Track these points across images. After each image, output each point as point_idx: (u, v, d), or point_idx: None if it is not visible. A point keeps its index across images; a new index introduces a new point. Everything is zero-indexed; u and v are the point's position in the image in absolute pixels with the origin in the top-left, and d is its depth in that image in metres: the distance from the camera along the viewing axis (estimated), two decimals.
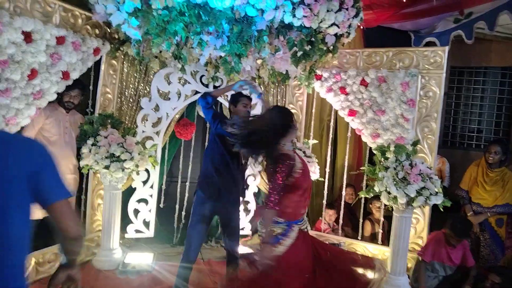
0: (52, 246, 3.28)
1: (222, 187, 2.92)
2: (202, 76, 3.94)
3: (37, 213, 3.34)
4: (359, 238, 4.12)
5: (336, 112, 4.10)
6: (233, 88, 3.09)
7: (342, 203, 4.21)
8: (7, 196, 1.26)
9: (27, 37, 2.65)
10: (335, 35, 3.25)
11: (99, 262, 3.50)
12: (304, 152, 3.91)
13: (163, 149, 4.03)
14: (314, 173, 3.91)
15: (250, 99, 3.13)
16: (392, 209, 3.51)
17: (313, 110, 4.30)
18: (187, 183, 4.33)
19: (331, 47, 3.37)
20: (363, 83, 3.75)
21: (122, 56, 3.65)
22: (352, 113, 3.83)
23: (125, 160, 3.30)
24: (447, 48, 3.59)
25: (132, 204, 3.82)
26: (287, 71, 3.80)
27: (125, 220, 3.79)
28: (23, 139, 1.54)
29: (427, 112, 3.65)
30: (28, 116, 2.83)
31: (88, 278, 3.28)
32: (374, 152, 3.73)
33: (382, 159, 3.61)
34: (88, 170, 3.41)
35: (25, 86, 2.73)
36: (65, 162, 3.42)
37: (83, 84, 3.45)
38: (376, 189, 3.47)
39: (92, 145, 3.30)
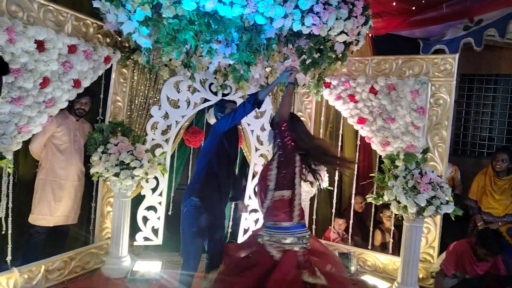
0: (62, 253, 3.30)
1: (223, 193, 2.85)
2: (211, 84, 3.95)
3: (48, 220, 3.37)
4: (369, 247, 4.07)
5: (343, 119, 4.08)
6: (280, 80, 2.76)
7: (352, 212, 4.17)
8: None
9: (40, 46, 2.70)
10: (344, 42, 3.25)
11: (108, 270, 3.50)
12: None
13: (172, 156, 4.03)
14: (323, 182, 3.88)
15: (236, 103, 3.14)
16: (402, 218, 3.46)
17: (322, 118, 4.28)
18: None
19: (340, 54, 3.36)
20: (372, 90, 3.74)
21: (133, 65, 3.69)
22: (361, 121, 3.81)
23: (135, 167, 3.31)
24: (457, 56, 3.57)
25: (141, 212, 3.82)
26: (296, 79, 3.79)
27: (134, 228, 3.79)
28: None
29: (437, 120, 3.62)
30: (40, 124, 2.86)
31: (97, 286, 3.27)
32: (383, 160, 3.70)
33: (392, 167, 3.57)
34: (98, 177, 3.42)
35: (37, 94, 2.77)
36: (74, 168, 3.44)
37: (93, 91, 3.48)
38: (386, 198, 3.43)
39: (102, 152, 3.32)
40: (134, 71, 3.74)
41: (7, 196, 2.89)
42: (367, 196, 3.74)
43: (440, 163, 3.62)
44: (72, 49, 2.95)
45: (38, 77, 2.74)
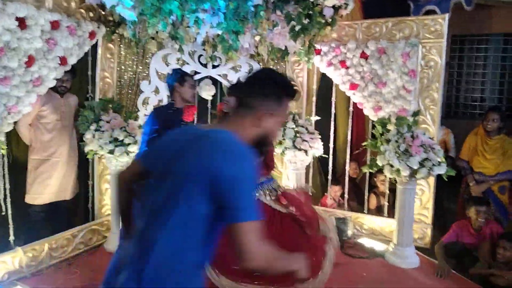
0: (64, 231, 3.35)
1: None
2: (200, 56, 3.90)
3: (46, 197, 3.40)
4: (365, 211, 4.16)
5: (335, 86, 4.07)
6: None
7: (346, 178, 4.23)
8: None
9: (21, 23, 2.62)
10: (333, 7, 3.20)
11: (111, 245, 3.56)
12: (306, 129, 3.90)
13: None
14: (318, 149, 3.91)
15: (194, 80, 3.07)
16: (395, 181, 3.52)
17: (314, 86, 4.26)
18: None
19: (330, 19, 3.32)
20: (363, 55, 3.71)
21: (119, 39, 3.62)
22: (353, 86, 3.80)
23: (129, 144, 3.31)
24: (447, 16, 3.53)
25: None
26: (286, 47, 3.75)
27: None
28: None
29: (428, 82, 3.62)
30: (29, 104, 2.83)
31: (100, 262, 3.34)
32: (375, 125, 3.72)
33: (384, 132, 3.60)
34: (93, 155, 3.43)
35: (23, 73, 2.72)
36: (65, 145, 3.44)
37: (73, 68, 3.43)
38: (379, 163, 3.47)
39: (95, 130, 3.31)
40: (121, 45, 3.67)
41: (3, 177, 2.90)
42: (362, 167, 3.78)
43: (432, 125, 3.64)
44: (54, 25, 2.87)
45: (23, 55, 2.68)
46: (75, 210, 3.79)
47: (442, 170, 3.26)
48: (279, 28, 3.31)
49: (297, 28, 3.19)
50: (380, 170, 3.76)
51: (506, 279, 2.95)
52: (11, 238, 2.98)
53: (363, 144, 3.82)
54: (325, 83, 4.58)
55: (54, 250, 3.24)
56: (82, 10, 3.18)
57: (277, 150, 3.83)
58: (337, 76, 3.89)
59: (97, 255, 3.48)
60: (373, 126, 3.80)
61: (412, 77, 3.53)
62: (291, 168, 4.00)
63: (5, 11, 2.50)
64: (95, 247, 3.60)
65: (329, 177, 4.35)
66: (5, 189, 2.91)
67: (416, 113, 3.55)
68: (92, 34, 3.24)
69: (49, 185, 3.35)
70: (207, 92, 4.11)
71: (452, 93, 6.13)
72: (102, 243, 3.65)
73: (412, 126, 3.43)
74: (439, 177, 3.44)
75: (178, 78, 2.89)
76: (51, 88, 3.32)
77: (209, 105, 4.27)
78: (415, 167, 3.20)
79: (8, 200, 2.94)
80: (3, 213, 2.95)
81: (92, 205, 3.75)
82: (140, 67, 3.76)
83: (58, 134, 3.38)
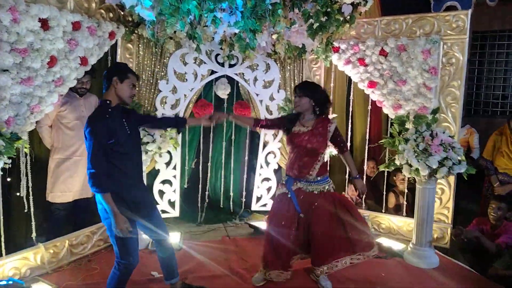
0: (84, 228, 3.41)
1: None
2: (217, 55, 3.91)
3: (69, 196, 3.46)
4: (383, 210, 4.11)
5: (353, 84, 4.02)
6: None
7: (364, 177, 4.19)
8: None
9: (44, 24, 2.67)
10: (352, 4, 3.16)
11: None
12: None
13: (183, 130, 4.06)
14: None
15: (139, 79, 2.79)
16: (414, 181, 3.47)
17: (332, 84, 4.22)
18: (209, 164, 4.38)
19: (348, 17, 3.28)
20: (383, 53, 3.65)
21: (138, 39, 3.65)
22: (372, 84, 3.75)
23: (148, 142, 3.35)
24: (469, 12, 3.44)
25: (156, 186, 3.90)
26: (303, 44, 3.73)
27: None
28: None
29: (450, 80, 3.54)
30: (51, 104, 2.88)
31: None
32: (393, 123, 3.66)
33: (402, 130, 3.54)
34: None
35: (46, 73, 2.77)
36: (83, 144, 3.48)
37: (93, 68, 3.47)
38: (397, 162, 3.42)
39: None
40: (140, 45, 3.70)
41: (26, 175, 2.96)
42: (380, 165, 3.74)
43: (453, 123, 3.57)
44: (76, 25, 2.92)
45: (45, 56, 2.73)
46: (95, 208, 3.84)
47: (462, 168, 3.20)
48: (297, 26, 3.28)
49: (315, 26, 3.16)
50: (399, 169, 3.71)
51: None
52: (33, 234, 3.05)
53: (379, 142, 3.76)
54: (343, 81, 4.55)
55: (75, 246, 3.31)
56: (102, 11, 3.22)
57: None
58: (355, 74, 3.84)
59: None
60: (391, 124, 3.75)
61: (433, 74, 3.46)
62: None
63: (28, 13, 2.54)
64: None
65: (346, 176, 4.31)
66: (27, 187, 2.98)
67: (435, 111, 3.48)
68: (111, 34, 3.28)
69: (71, 184, 3.40)
70: (222, 91, 4.12)
71: (472, 91, 6.00)
72: None
73: (431, 125, 3.36)
74: (459, 176, 3.37)
75: (119, 71, 2.45)
76: (71, 89, 3.38)
77: (225, 104, 4.28)
78: (435, 167, 3.14)
79: (31, 198, 3.00)
80: (26, 211, 3.01)
81: None
82: (158, 67, 3.79)
83: (78, 133, 3.43)
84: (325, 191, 2.94)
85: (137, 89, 3.73)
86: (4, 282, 2.36)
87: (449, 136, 3.27)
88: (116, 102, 2.44)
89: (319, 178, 2.94)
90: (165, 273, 2.78)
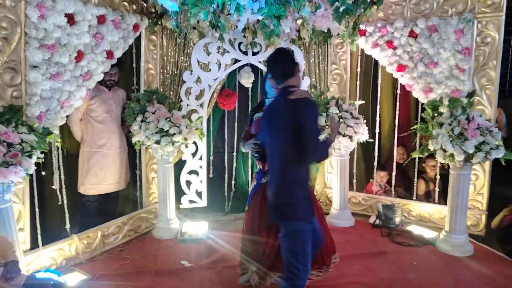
0: (115, 219, 3.48)
1: None
2: (240, 43, 3.86)
3: (98, 189, 3.53)
4: (414, 197, 4.01)
5: (381, 68, 3.89)
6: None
7: (394, 163, 4.08)
8: None
9: (70, 19, 2.70)
10: None
11: (159, 232, 3.68)
12: (350, 114, 3.78)
13: (208, 120, 4.06)
14: (363, 135, 3.79)
15: None
16: (448, 167, 3.35)
17: (359, 69, 4.10)
18: (234, 153, 4.38)
19: None
20: (412, 34, 3.51)
21: (161, 30, 3.65)
22: (401, 68, 3.61)
23: (174, 134, 3.36)
24: None
25: (184, 176, 3.93)
26: (329, 29, 3.62)
27: (179, 191, 3.93)
28: None
29: (485, 60, 3.38)
30: (80, 98, 2.93)
31: (149, 248, 3.46)
32: (426, 108, 3.53)
33: (435, 115, 3.41)
34: (140, 146, 3.51)
35: (74, 68, 2.81)
36: (115, 136, 3.53)
37: (120, 61, 3.49)
38: (431, 147, 3.31)
39: (142, 121, 3.38)
40: (163, 37, 3.70)
41: (59, 169, 3.04)
42: (412, 152, 3.62)
43: (489, 106, 3.41)
44: (101, 19, 2.93)
45: (73, 51, 2.76)
46: (126, 199, 3.92)
47: (500, 153, 3.06)
48: (322, 10, 3.18)
49: (342, 9, 3.05)
50: (430, 155, 3.59)
51: None
52: (67, 226, 3.14)
53: (412, 128, 3.65)
54: (370, 65, 4.42)
55: (107, 237, 3.39)
56: (125, 3, 3.22)
57: (321, 136, 3.75)
58: (383, 58, 3.72)
59: (146, 242, 3.60)
60: (422, 109, 3.61)
61: (466, 55, 3.30)
62: (334, 154, 3.91)
63: (55, 8, 2.57)
64: (144, 234, 3.73)
65: (375, 163, 4.21)
66: (60, 180, 3.05)
67: (471, 94, 3.33)
68: (135, 27, 3.28)
69: (102, 176, 3.47)
70: (246, 80, 4.07)
71: (506, 70, 5.71)
72: (150, 230, 3.77)
73: (466, 108, 3.22)
74: (494, 161, 3.22)
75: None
76: (99, 82, 3.42)
77: (249, 93, 4.24)
78: (471, 151, 3.02)
79: (64, 190, 3.08)
80: (60, 203, 3.10)
81: (140, 193, 3.86)
82: (182, 57, 3.78)
83: (108, 126, 3.48)
84: None
85: (161, 80, 3.76)
86: (41, 274, 2.43)
87: (486, 120, 3.12)
88: None
89: None
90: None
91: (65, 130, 3.43)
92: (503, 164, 3.14)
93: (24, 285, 2.13)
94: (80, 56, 2.83)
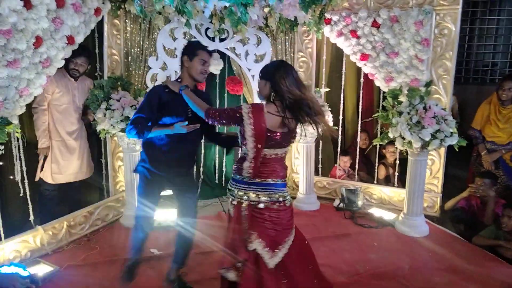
0: (81, 209, 3.43)
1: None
2: (207, 29, 3.81)
3: (61, 178, 3.43)
4: (375, 182, 4.20)
5: (345, 57, 3.99)
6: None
7: (358, 149, 4.24)
8: None
9: (27, 3, 2.55)
10: None
11: (127, 221, 3.66)
12: None
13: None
14: (328, 122, 3.90)
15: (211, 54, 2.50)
16: (407, 153, 3.53)
17: (324, 57, 4.18)
18: (202, 141, 4.37)
19: None
20: (375, 24, 3.61)
21: (124, 15, 3.53)
22: (364, 57, 3.73)
23: None
24: None
25: None
26: (295, 17, 3.65)
27: None
28: None
29: (442, 51, 3.55)
30: (40, 86, 2.82)
31: (118, 237, 3.44)
32: (386, 96, 3.67)
33: (395, 103, 3.56)
34: (105, 134, 3.44)
35: (32, 55, 2.68)
36: (75, 127, 3.45)
37: (90, 52, 3.37)
38: (390, 135, 3.47)
39: (106, 109, 3.31)
40: (127, 21, 3.59)
41: (20, 159, 2.93)
42: (373, 140, 3.78)
43: (445, 95, 3.60)
44: (60, 3, 2.79)
45: (30, 36, 2.62)
46: (90, 188, 3.85)
47: (454, 140, 3.26)
48: None
49: None
50: (389, 142, 3.77)
51: None
52: (31, 217, 3.06)
53: (374, 115, 3.79)
54: (335, 53, 4.51)
55: (73, 227, 3.34)
56: None
57: None
58: (347, 47, 3.81)
59: (114, 231, 3.57)
60: (384, 98, 3.76)
61: (425, 46, 3.45)
62: (300, 141, 4.01)
63: None
64: (112, 222, 3.70)
65: (339, 148, 4.36)
66: (22, 171, 2.96)
67: (428, 83, 3.50)
68: (97, 11, 3.16)
69: (64, 165, 3.38)
70: (215, 67, 4.05)
71: (462, 58, 6.00)
72: (118, 219, 3.75)
73: (424, 97, 3.39)
74: (449, 146, 3.44)
75: (188, 50, 2.41)
76: (66, 71, 3.29)
77: (217, 80, 4.23)
78: (427, 139, 3.20)
79: (26, 181, 2.99)
80: (21, 194, 3.01)
81: (106, 182, 3.80)
82: (147, 43, 3.69)
83: (69, 116, 3.38)
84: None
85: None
86: (5, 269, 2.37)
87: (442, 109, 3.30)
88: (189, 82, 2.42)
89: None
90: (175, 254, 2.67)
91: (26, 119, 3.30)
92: (457, 150, 3.36)
93: None
94: (38, 42, 2.69)
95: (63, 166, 3.39)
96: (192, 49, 2.41)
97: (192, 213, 2.66)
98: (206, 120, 2.17)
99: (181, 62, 2.45)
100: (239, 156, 2.21)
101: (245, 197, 2.14)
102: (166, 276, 2.69)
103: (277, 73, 2.07)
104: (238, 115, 2.07)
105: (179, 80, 2.46)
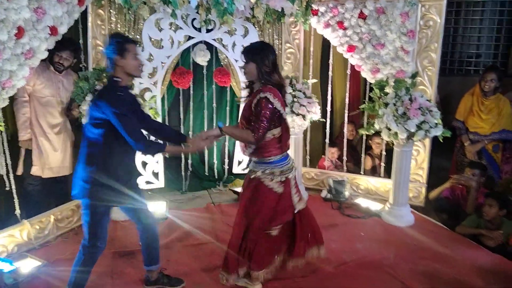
0: (68, 203, 3.39)
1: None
2: (193, 19, 3.77)
3: (40, 171, 3.37)
4: (362, 172, 4.26)
5: (332, 48, 4.00)
6: None
7: (345, 140, 4.28)
8: None
9: None
10: None
11: (115, 214, 3.60)
12: (304, 93, 3.87)
13: (162, 99, 3.98)
14: (315, 114, 3.91)
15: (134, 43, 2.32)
16: (393, 144, 3.58)
17: (311, 48, 4.18)
18: (190, 132, 4.36)
19: None
20: (361, 15, 3.62)
21: (109, 4, 3.46)
22: (351, 48, 3.74)
23: None
24: None
25: (139, 157, 3.87)
26: (282, 8, 3.63)
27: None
28: None
29: (427, 42, 3.59)
30: (22, 78, 2.75)
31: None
32: (373, 88, 3.71)
33: (382, 94, 3.60)
34: None
35: (14, 46, 2.61)
36: (59, 120, 3.39)
37: (75, 45, 3.28)
38: (377, 126, 3.51)
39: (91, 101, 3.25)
40: (111, 11, 3.52)
41: (4, 153, 2.88)
42: (359, 129, 3.81)
43: (430, 86, 3.65)
44: None
45: (12, 27, 2.56)
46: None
47: (439, 131, 3.32)
48: None
49: None
50: (376, 133, 3.81)
51: (495, 240, 3.07)
52: (17, 211, 3.02)
53: (360, 107, 3.83)
54: (322, 45, 4.51)
55: (60, 221, 3.30)
56: None
57: None
58: (334, 38, 3.82)
59: None
60: (371, 89, 3.79)
61: (410, 37, 3.48)
62: None
63: None
64: None
65: (327, 139, 4.40)
66: (7, 164, 2.91)
67: (414, 75, 3.54)
68: (81, 1, 3.08)
69: (47, 159, 3.33)
70: (201, 58, 4.01)
71: (447, 50, 6.07)
72: None
73: (410, 89, 3.43)
74: (434, 137, 3.50)
75: (117, 48, 2.21)
76: (51, 64, 3.21)
77: (204, 71, 4.20)
78: (413, 130, 3.25)
79: (11, 175, 2.94)
80: (7, 188, 2.96)
81: None
82: (132, 33, 3.63)
83: (52, 109, 3.32)
84: (255, 177, 2.47)
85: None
86: None
87: (427, 100, 3.34)
88: (127, 80, 2.29)
89: (254, 159, 2.52)
90: (146, 258, 2.60)
91: (9, 112, 3.24)
92: (441, 141, 3.42)
93: None
94: (20, 32, 2.63)
95: (45, 160, 3.34)
96: (121, 46, 2.21)
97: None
98: (256, 144, 2.39)
99: (112, 63, 2.23)
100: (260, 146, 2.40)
101: (289, 172, 2.49)
102: (146, 280, 2.64)
103: (263, 53, 2.34)
104: (274, 110, 2.31)
105: (117, 80, 2.25)
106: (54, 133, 3.38)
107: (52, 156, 3.38)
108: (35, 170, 3.33)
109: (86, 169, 2.22)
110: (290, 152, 4.02)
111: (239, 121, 2.62)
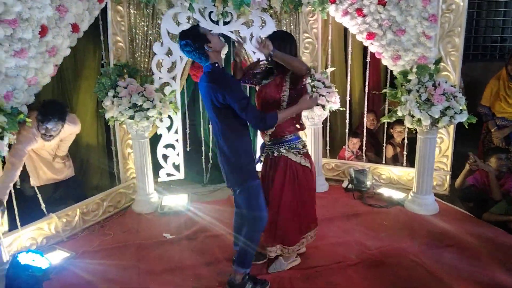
0: (92, 197, 3.48)
1: None
2: (211, 12, 3.78)
3: (34, 180, 3.33)
4: (383, 162, 4.20)
5: (352, 36, 3.94)
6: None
7: (364, 129, 4.23)
8: None
9: None
10: None
11: (139, 207, 3.71)
12: (323, 83, 3.84)
13: (182, 93, 4.02)
14: (335, 103, 3.87)
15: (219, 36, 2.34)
16: (416, 131, 3.51)
17: (330, 37, 4.13)
18: (210, 125, 4.38)
19: None
20: (381, 1, 3.53)
21: (127, 1, 3.51)
22: (370, 36, 3.66)
23: (148, 108, 3.33)
24: None
25: (160, 150, 3.93)
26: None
27: (157, 165, 3.94)
28: None
29: (450, 27, 3.48)
30: (48, 75, 2.83)
31: (130, 223, 3.50)
32: (396, 75, 3.63)
33: (404, 81, 3.52)
34: (114, 122, 3.46)
35: (38, 44, 2.68)
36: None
37: (62, 109, 3.03)
38: (399, 113, 3.44)
39: (114, 97, 3.32)
40: (130, 7, 3.57)
41: None
42: (381, 118, 3.75)
43: (453, 72, 3.55)
44: None
45: (36, 25, 2.63)
46: (103, 175, 3.90)
47: (464, 117, 3.23)
48: None
49: None
50: (397, 121, 3.74)
51: None
52: (43, 206, 3.11)
53: (383, 91, 3.75)
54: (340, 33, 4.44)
55: (86, 214, 3.39)
56: None
57: None
58: (353, 26, 3.75)
59: (127, 217, 3.63)
60: (391, 76, 3.72)
61: (432, 22, 3.38)
62: (308, 123, 4.00)
63: None
64: (124, 209, 3.76)
65: (347, 130, 4.35)
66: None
67: (438, 61, 3.45)
68: None
69: (40, 173, 3.35)
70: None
71: (470, 35, 5.89)
72: (130, 205, 3.80)
73: (433, 75, 3.35)
74: (458, 124, 3.41)
75: (199, 39, 2.16)
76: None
77: (222, 64, 4.19)
78: (437, 116, 3.17)
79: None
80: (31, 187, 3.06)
81: (117, 170, 3.85)
82: (151, 29, 3.67)
83: (50, 158, 3.37)
84: (280, 155, 2.57)
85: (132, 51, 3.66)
86: (23, 256, 2.41)
87: (451, 86, 3.26)
88: (221, 61, 2.32)
89: (270, 143, 2.62)
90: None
91: None
92: (466, 127, 3.33)
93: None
94: (44, 30, 2.70)
95: (40, 173, 3.35)
96: (199, 36, 2.17)
97: None
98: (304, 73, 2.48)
99: (205, 55, 2.19)
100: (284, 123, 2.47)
101: (306, 148, 2.64)
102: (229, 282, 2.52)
103: (289, 41, 2.57)
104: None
105: (216, 64, 2.25)
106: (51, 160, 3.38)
107: (46, 169, 3.37)
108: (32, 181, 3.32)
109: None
110: (310, 142, 4.04)
111: (256, 102, 2.66)
